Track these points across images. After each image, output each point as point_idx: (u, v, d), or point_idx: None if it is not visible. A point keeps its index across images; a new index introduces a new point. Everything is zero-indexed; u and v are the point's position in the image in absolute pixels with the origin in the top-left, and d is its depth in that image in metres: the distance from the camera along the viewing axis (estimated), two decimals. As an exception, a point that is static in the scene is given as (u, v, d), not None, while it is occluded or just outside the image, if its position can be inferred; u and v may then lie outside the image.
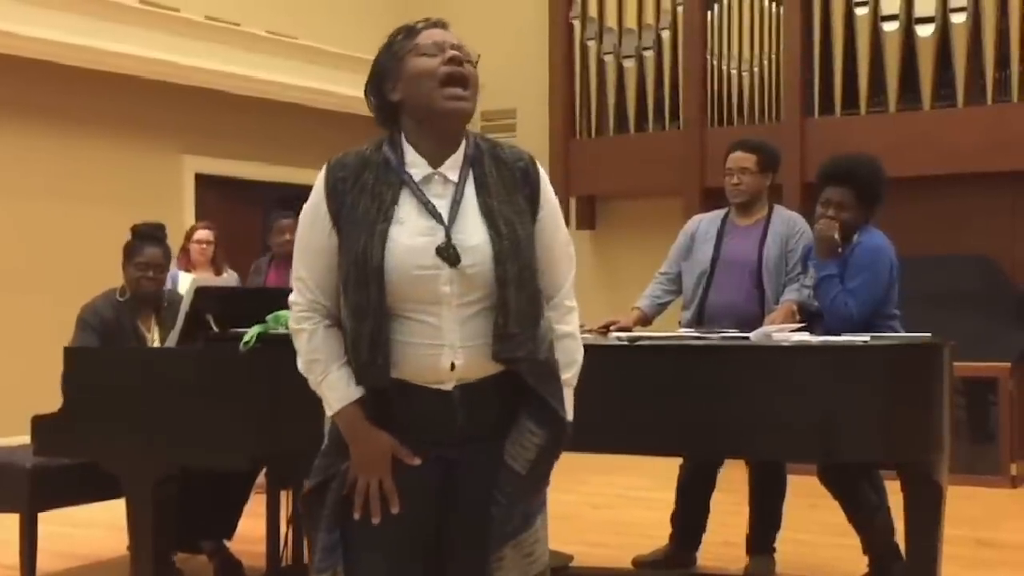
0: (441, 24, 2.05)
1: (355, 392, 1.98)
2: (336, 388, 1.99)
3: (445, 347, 1.95)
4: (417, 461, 1.97)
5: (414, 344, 1.95)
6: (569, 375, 2.08)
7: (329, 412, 2.01)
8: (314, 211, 2.02)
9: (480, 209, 1.98)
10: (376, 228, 1.94)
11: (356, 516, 1.97)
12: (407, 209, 1.96)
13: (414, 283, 1.93)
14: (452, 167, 2.00)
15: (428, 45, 1.99)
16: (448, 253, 1.93)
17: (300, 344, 2.04)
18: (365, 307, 1.93)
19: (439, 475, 2.01)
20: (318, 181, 2.02)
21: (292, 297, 2.05)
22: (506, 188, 2.01)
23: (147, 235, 4.04)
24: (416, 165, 2.00)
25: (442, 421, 1.98)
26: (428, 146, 2.00)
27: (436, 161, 2.00)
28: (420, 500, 2.00)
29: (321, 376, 2.01)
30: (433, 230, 1.95)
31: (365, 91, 2.07)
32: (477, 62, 2.04)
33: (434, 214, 1.96)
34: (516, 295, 1.95)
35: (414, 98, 1.99)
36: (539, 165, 2.08)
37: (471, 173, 2.01)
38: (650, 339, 3.34)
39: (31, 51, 6.71)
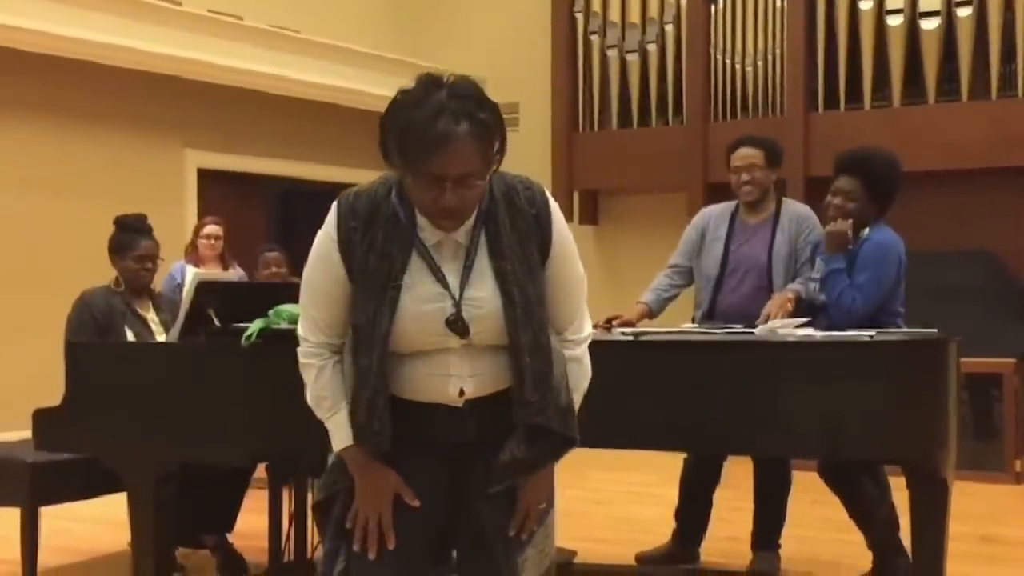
0: (455, 138, 1.81)
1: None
2: (343, 427, 1.99)
3: (453, 376, 1.95)
4: (417, 503, 1.97)
5: (424, 374, 1.95)
6: (573, 399, 2.06)
7: (336, 448, 2.01)
8: (326, 258, 1.97)
9: (493, 273, 1.93)
10: (386, 295, 1.91)
11: (355, 548, 1.98)
12: (417, 274, 1.93)
13: (422, 345, 1.94)
14: (464, 230, 1.94)
15: (427, 178, 1.83)
16: (458, 326, 1.91)
17: (308, 380, 2.04)
18: (367, 372, 1.93)
19: (449, 474, 2.01)
20: (328, 226, 1.97)
21: (301, 332, 2.04)
22: (520, 241, 1.96)
23: (136, 227, 4.05)
24: (427, 228, 1.93)
25: (453, 429, 1.99)
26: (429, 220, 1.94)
27: (441, 229, 1.94)
28: (429, 499, 2.00)
29: (329, 414, 2.02)
30: (443, 296, 1.92)
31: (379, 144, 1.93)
32: (502, 145, 1.88)
33: (443, 282, 1.92)
34: (532, 361, 1.94)
35: (412, 200, 1.91)
36: (552, 205, 2.01)
37: (483, 233, 1.95)
38: (653, 334, 3.32)
39: (31, 45, 6.69)
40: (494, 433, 1.98)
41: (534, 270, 1.97)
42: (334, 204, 1.98)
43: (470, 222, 1.95)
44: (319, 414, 2.03)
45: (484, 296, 1.93)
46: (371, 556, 1.97)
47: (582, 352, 2.08)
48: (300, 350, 2.04)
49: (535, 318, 1.95)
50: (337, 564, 2.02)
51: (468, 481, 2.01)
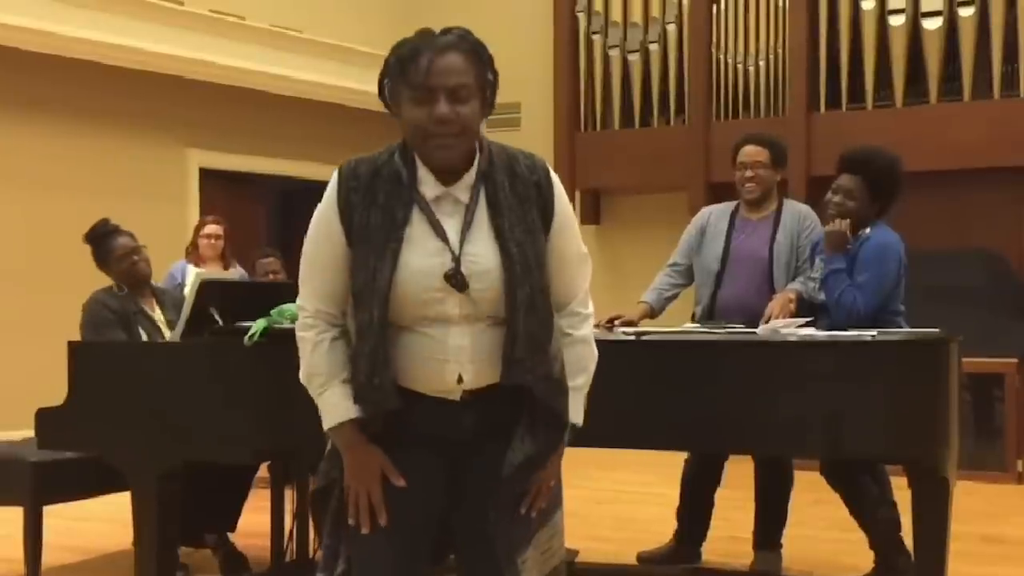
0: (445, 48, 1.91)
1: (351, 412, 1.98)
2: (332, 405, 1.99)
3: (451, 361, 1.94)
4: (402, 482, 1.97)
5: (421, 358, 1.94)
6: (580, 381, 2.05)
7: (325, 426, 2.01)
8: (326, 222, 1.99)
9: (492, 231, 1.94)
10: (387, 249, 1.91)
11: (351, 522, 1.99)
12: (417, 230, 1.94)
13: (422, 305, 1.92)
14: (464, 187, 1.96)
15: (421, 89, 1.89)
16: (456, 280, 1.91)
17: (303, 353, 2.03)
18: (367, 326, 1.92)
19: (446, 468, 2.01)
20: (329, 190, 1.99)
21: (299, 302, 2.04)
22: (520, 203, 1.97)
23: (105, 232, 4.06)
24: (427, 183, 1.95)
25: (449, 423, 1.98)
26: (430, 160, 1.96)
27: (448, 180, 1.96)
28: (427, 494, 2.00)
29: (320, 390, 2.01)
30: (442, 251, 1.92)
31: (379, 92, 2.01)
32: (494, 81, 1.96)
33: (443, 236, 1.93)
34: (526, 320, 1.93)
35: (411, 138, 1.95)
36: (553, 176, 2.03)
37: (483, 191, 1.96)
38: (655, 333, 3.32)
39: (32, 44, 6.71)
40: (491, 431, 1.98)
41: (534, 233, 1.97)
42: (335, 170, 2.01)
43: (470, 180, 1.96)
44: (310, 391, 2.02)
45: (482, 252, 1.93)
46: (364, 531, 1.97)
47: (588, 331, 2.08)
48: (297, 323, 2.04)
49: (533, 278, 1.94)
50: (338, 566, 2.02)
51: (466, 478, 2.01)
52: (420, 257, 1.92)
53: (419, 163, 1.96)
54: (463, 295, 1.91)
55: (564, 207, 2.03)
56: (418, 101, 1.90)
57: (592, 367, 2.08)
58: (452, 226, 1.94)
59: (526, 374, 1.94)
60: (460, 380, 1.94)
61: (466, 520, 2.03)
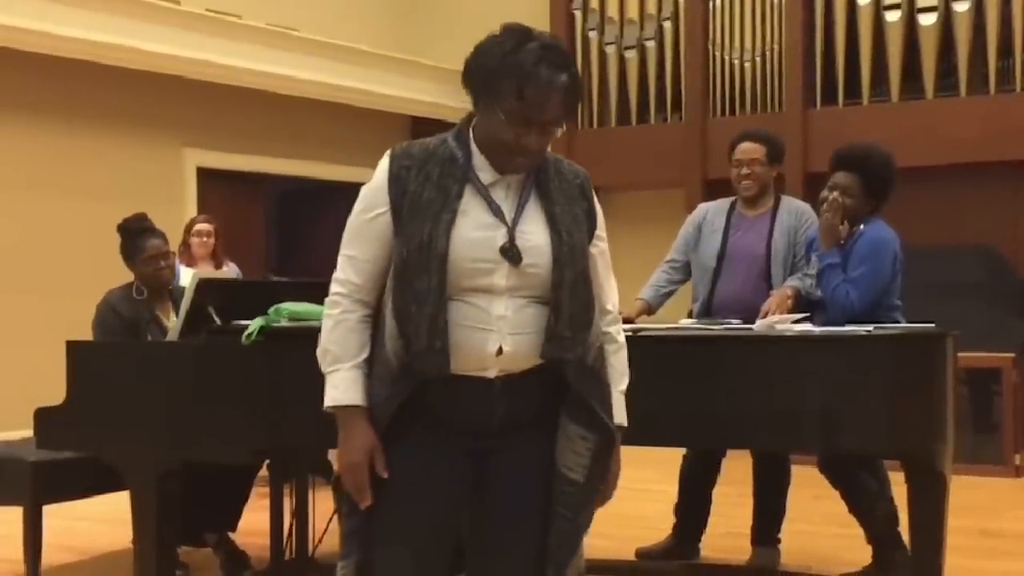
0: (557, 89, 1.93)
1: (353, 399, 2.00)
2: (337, 387, 2.01)
3: (493, 332, 1.96)
4: (385, 474, 1.99)
5: (462, 326, 1.96)
6: (625, 384, 2.15)
7: (326, 404, 2.03)
8: (373, 195, 2.02)
9: (543, 214, 2.01)
10: (441, 217, 1.95)
11: (362, 507, 2.01)
12: (471, 203, 1.98)
13: (471, 274, 1.95)
14: (516, 177, 2.03)
15: (519, 118, 1.93)
16: (511, 253, 1.95)
17: (324, 329, 2.06)
18: (426, 293, 1.93)
19: (472, 467, 2.03)
20: (380, 167, 2.03)
21: (335, 274, 2.06)
22: (567, 197, 2.06)
23: (140, 229, 4.01)
24: (483, 169, 2.01)
25: (482, 413, 2.00)
26: (496, 161, 2.02)
27: (503, 171, 2.02)
28: (450, 492, 2.02)
29: (329, 369, 2.03)
30: (496, 226, 1.97)
31: (465, 73, 2.01)
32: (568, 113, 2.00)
33: (497, 213, 1.98)
34: (570, 299, 1.98)
35: (486, 137, 1.99)
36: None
37: (534, 179, 2.03)
38: (653, 330, 3.33)
39: (29, 44, 6.70)
40: (519, 427, 2.01)
41: (579, 224, 2.05)
42: (387, 152, 2.05)
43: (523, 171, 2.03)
44: (321, 366, 2.05)
45: (535, 230, 1.99)
46: (362, 507, 2.00)
47: (623, 337, 2.18)
48: (328, 298, 2.06)
49: (579, 263, 2.01)
50: (358, 553, 2.03)
51: (489, 475, 2.03)
52: (474, 229, 1.96)
53: (475, 149, 2.01)
54: (512, 269, 1.96)
55: (600, 213, 2.12)
56: (511, 122, 1.93)
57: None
58: (505, 207, 2.00)
59: (566, 352, 1.99)
60: (500, 352, 1.96)
61: (486, 517, 2.04)
